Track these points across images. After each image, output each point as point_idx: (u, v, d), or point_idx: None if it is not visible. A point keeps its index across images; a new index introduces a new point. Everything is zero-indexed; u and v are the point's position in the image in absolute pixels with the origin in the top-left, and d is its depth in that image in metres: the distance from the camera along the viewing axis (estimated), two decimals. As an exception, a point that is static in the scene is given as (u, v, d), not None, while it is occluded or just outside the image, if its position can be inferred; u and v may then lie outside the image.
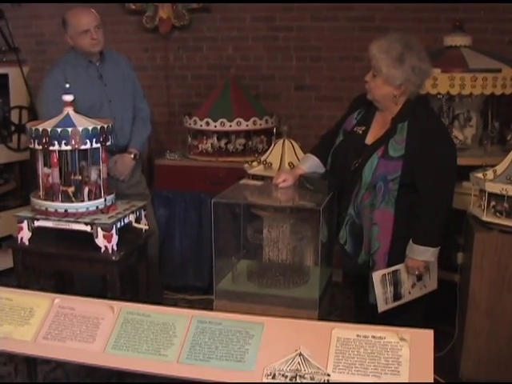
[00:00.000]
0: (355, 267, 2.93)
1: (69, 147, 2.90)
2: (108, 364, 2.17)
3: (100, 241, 2.96)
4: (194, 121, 4.53)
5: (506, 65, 3.69)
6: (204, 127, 4.51)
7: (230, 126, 4.45)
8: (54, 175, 2.97)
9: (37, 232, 3.08)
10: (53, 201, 2.99)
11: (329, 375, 1.96)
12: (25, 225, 3.06)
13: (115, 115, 3.61)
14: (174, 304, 4.21)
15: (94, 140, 2.93)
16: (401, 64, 2.69)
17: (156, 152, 5.00)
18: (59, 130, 2.87)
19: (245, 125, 4.46)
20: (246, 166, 3.79)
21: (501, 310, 3.11)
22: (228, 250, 3.10)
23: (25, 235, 3.07)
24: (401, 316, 2.79)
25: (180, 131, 5.04)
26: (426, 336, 2.00)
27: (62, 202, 2.98)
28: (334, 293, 3.86)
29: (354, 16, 4.76)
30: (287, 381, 1.97)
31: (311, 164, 3.10)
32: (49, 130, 2.87)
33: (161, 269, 4.27)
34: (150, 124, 3.99)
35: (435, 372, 1.93)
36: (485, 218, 3.15)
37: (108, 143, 3.03)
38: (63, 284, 3.52)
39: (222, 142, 4.53)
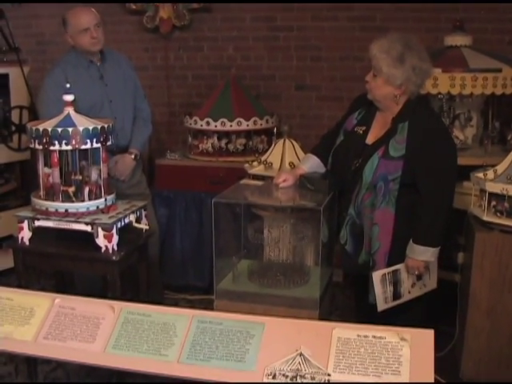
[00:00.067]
0: (356, 267, 2.93)
1: (69, 147, 2.90)
2: (108, 364, 2.17)
3: (100, 241, 2.96)
4: (195, 121, 4.53)
5: (506, 65, 3.70)
6: (204, 127, 4.51)
7: (231, 125, 4.45)
8: (55, 175, 2.97)
9: (37, 232, 3.08)
10: (53, 201, 2.99)
11: (329, 375, 1.96)
12: (25, 225, 3.06)
13: (116, 115, 3.61)
14: (175, 304, 4.21)
15: (95, 140, 2.93)
16: (401, 64, 2.69)
17: (156, 152, 5.00)
18: (60, 129, 2.87)
19: (245, 125, 4.46)
20: (247, 165, 3.79)
21: (501, 309, 3.11)
22: (228, 249, 3.11)
23: (25, 235, 3.08)
24: (401, 315, 2.79)
25: (180, 131, 5.04)
26: (427, 336, 2.00)
27: (63, 201, 2.98)
28: (335, 293, 3.86)
29: (355, 16, 4.76)
30: (288, 381, 1.97)
31: (312, 164, 3.10)
32: (49, 129, 2.87)
33: (161, 268, 4.27)
34: (151, 124, 3.99)
35: (436, 372, 1.93)
36: (485, 217, 3.15)
37: (108, 143, 3.03)
38: (64, 284, 3.52)
39: (223, 142, 4.53)
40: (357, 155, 2.84)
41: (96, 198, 3.03)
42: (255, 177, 3.63)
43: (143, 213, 3.27)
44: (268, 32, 4.98)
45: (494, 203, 3.13)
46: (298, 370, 1.99)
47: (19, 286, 2.97)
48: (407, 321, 2.37)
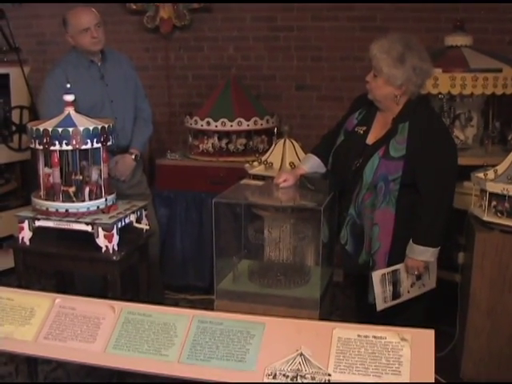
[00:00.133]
0: (356, 267, 2.93)
1: (70, 147, 2.90)
2: (109, 364, 2.17)
3: (101, 241, 2.96)
4: (195, 121, 4.53)
5: (506, 65, 3.70)
6: (205, 127, 4.51)
7: (231, 125, 4.45)
8: (55, 175, 2.97)
9: (38, 232, 3.08)
10: (54, 201, 2.99)
11: (330, 375, 1.96)
12: (26, 225, 3.06)
13: (117, 115, 3.61)
14: (175, 304, 4.21)
15: (95, 140, 2.93)
16: (402, 64, 2.69)
17: (157, 152, 5.00)
18: (60, 129, 2.87)
19: (246, 125, 4.46)
20: (247, 165, 3.79)
21: (502, 309, 3.11)
22: (229, 249, 3.11)
23: (26, 235, 3.08)
24: (400, 315, 2.80)
25: (181, 131, 5.04)
26: (427, 336, 2.00)
27: (63, 201, 2.99)
28: (335, 293, 3.86)
29: (355, 16, 4.76)
30: (288, 381, 1.97)
31: (312, 164, 3.10)
32: (50, 129, 2.87)
33: (162, 269, 4.27)
34: (152, 124, 3.99)
35: (436, 372, 1.93)
36: (486, 217, 3.15)
37: (109, 143, 3.03)
38: (64, 284, 3.52)
39: (223, 142, 4.53)
40: (357, 155, 2.84)
41: (96, 198, 3.03)
42: (255, 177, 3.63)
43: (144, 213, 3.27)
44: (268, 32, 4.98)
45: (494, 203, 3.13)
46: (298, 370, 1.99)
47: (19, 286, 2.97)
48: (407, 320, 2.37)
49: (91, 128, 2.91)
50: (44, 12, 5.26)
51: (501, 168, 3.18)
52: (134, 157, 3.77)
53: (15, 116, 4.69)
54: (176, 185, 4.51)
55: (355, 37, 4.75)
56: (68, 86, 3.01)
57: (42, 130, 2.88)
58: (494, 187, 3.11)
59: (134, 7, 5.09)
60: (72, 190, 3.00)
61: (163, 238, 4.41)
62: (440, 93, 3.69)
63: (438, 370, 1.97)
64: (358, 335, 2.04)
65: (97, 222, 2.96)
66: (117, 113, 3.66)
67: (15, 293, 2.45)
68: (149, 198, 3.93)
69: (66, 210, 2.98)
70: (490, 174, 3.18)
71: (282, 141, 3.66)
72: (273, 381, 1.98)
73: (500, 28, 4.49)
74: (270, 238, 3.09)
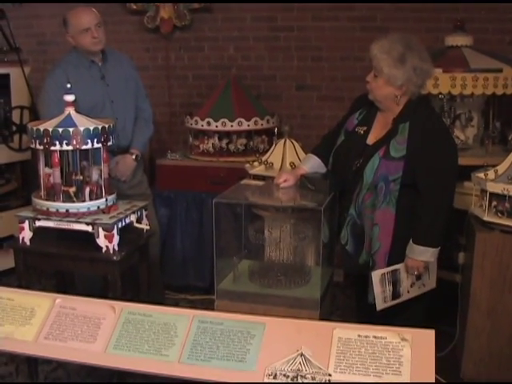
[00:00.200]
0: (356, 267, 2.93)
1: (70, 147, 2.90)
2: (109, 364, 2.17)
3: (101, 241, 2.96)
4: (196, 121, 4.53)
5: (507, 65, 3.69)
6: (205, 127, 4.51)
7: (232, 125, 4.45)
8: (56, 175, 2.97)
9: (38, 232, 3.08)
10: (54, 201, 2.99)
11: (330, 375, 1.96)
12: (26, 225, 3.06)
13: (117, 116, 3.61)
14: (176, 304, 4.21)
15: (96, 140, 2.93)
16: (402, 64, 2.69)
17: (157, 152, 5.00)
18: (60, 130, 2.87)
19: (246, 125, 4.46)
20: (247, 166, 3.79)
21: (502, 309, 3.11)
22: (229, 250, 3.11)
23: (26, 235, 3.08)
24: (400, 315, 2.80)
25: (181, 131, 5.04)
26: (428, 336, 2.00)
27: (64, 202, 2.99)
28: (336, 293, 3.86)
29: (355, 16, 4.76)
30: (288, 381, 1.97)
31: (312, 164, 3.10)
32: (50, 130, 2.87)
33: (162, 269, 4.27)
34: (152, 124, 3.99)
35: (436, 372, 1.93)
36: (486, 217, 3.15)
37: (109, 143, 3.03)
38: (64, 284, 3.52)
39: (223, 142, 4.54)
40: (358, 155, 2.84)
41: (97, 198, 3.03)
42: (256, 177, 3.63)
43: (144, 213, 3.27)
44: (269, 32, 4.98)
45: (494, 203, 3.13)
46: (298, 370, 1.99)
47: (20, 286, 2.97)
48: (407, 320, 2.37)
49: (91, 128, 2.91)
50: (44, 12, 5.26)
51: (501, 168, 3.18)
52: (134, 157, 3.77)
53: (15, 116, 4.69)
54: (176, 185, 4.51)
55: (355, 37, 4.75)
56: (68, 86, 3.01)
57: (42, 130, 2.88)
58: (494, 187, 3.11)
59: (135, 7, 5.09)
60: (72, 190, 3.00)
61: (163, 238, 4.41)
62: (440, 93, 3.69)
63: (439, 370, 1.97)
64: (359, 335, 2.04)
65: (97, 222, 2.96)
66: (117, 113, 3.65)
67: (15, 293, 2.45)
68: (149, 198, 3.93)
69: (67, 210, 2.98)
70: (491, 174, 3.17)
71: (283, 141, 3.65)
72: (273, 381, 1.98)
73: (500, 28, 4.49)
74: (270, 238, 3.09)
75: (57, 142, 2.88)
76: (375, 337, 2.03)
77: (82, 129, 2.89)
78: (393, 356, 1.97)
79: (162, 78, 5.26)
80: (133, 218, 3.16)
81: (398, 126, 2.76)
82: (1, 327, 2.30)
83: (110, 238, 2.96)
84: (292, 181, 3.03)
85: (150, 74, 5.16)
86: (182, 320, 2.21)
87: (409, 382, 1.90)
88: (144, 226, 3.24)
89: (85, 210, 2.99)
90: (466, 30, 3.95)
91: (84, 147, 2.92)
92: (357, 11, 4.76)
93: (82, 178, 3.04)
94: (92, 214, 3.01)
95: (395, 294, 2.84)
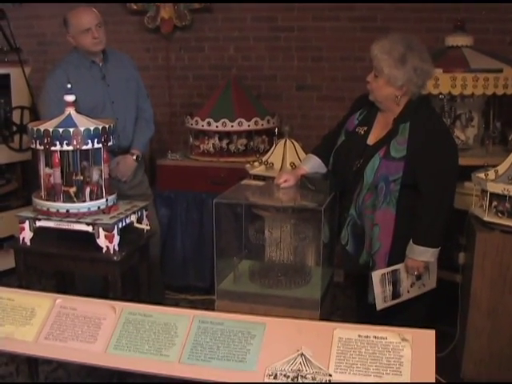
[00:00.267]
0: (356, 267, 2.93)
1: (70, 147, 2.90)
2: (109, 364, 2.17)
3: (101, 241, 2.96)
4: (196, 121, 4.53)
5: (507, 65, 3.69)
6: (205, 127, 4.51)
7: (232, 126, 4.45)
8: (56, 175, 2.97)
9: (38, 232, 3.08)
10: (54, 201, 2.99)
11: (330, 375, 1.96)
12: (26, 225, 3.07)
13: (118, 116, 3.61)
14: (176, 304, 4.21)
15: (96, 140, 2.93)
16: (403, 65, 2.69)
17: (158, 152, 5.00)
18: (61, 130, 2.87)
19: (246, 125, 4.46)
20: (248, 166, 3.79)
21: (502, 310, 3.11)
22: (229, 250, 3.11)
23: (26, 235, 3.08)
24: (400, 314, 2.81)
25: (182, 131, 5.04)
26: (428, 336, 2.00)
27: (64, 202, 2.99)
28: (336, 293, 3.86)
29: (356, 16, 4.76)
30: (289, 381, 1.97)
31: (313, 164, 3.10)
32: (50, 130, 2.88)
33: (162, 269, 4.28)
34: (153, 125, 3.99)
35: (437, 372, 1.93)
36: (486, 218, 3.14)
37: (109, 143, 3.03)
38: (65, 284, 3.52)
39: (224, 143, 4.54)
40: (358, 156, 2.84)
41: (97, 199, 3.03)
42: (256, 177, 3.63)
43: (144, 213, 3.27)
44: (269, 32, 4.98)
45: (495, 203, 3.13)
46: (299, 370, 1.99)
47: (20, 287, 2.97)
48: (407, 320, 2.37)
49: (92, 128, 2.91)
50: (45, 12, 5.25)
51: (501, 168, 3.18)
52: (135, 157, 3.77)
53: (16, 116, 4.69)
54: (177, 185, 4.51)
55: (356, 37, 4.75)
56: (69, 86, 3.01)
57: (42, 130, 2.89)
58: (494, 187, 3.11)
59: (135, 7, 5.09)
60: (73, 190, 3.00)
61: (164, 239, 4.41)
62: (441, 93, 3.69)
63: (439, 370, 1.97)
64: (359, 335, 2.04)
65: (97, 222, 2.96)
66: (118, 113, 3.65)
67: (16, 293, 2.45)
68: (150, 198, 3.93)
69: (67, 211, 2.98)
70: (491, 174, 3.17)
71: (283, 141, 3.66)
72: (273, 381, 1.98)
73: (501, 28, 4.49)
74: (270, 239, 3.09)
75: (57, 143, 2.88)
76: (375, 337, 2.02)
77: (82, 129, 2.89)
78: (393, 356, 1.97)
79: (162, 79, 5.26)
80: (133, 218, 3.16)
81: (399, 126, 2.76)
82: (1, 327, 2.30)
83: (110, 239, 2.96)
84: (292, 181, 3.03)
85: (150, 74, 5.15)
86: (182, 320, 2.21)
87: (409, 382, 1.90)
88: (144, 226, 3.24)
89: (85, 210, 2.99)
90: (466, 30, 3.95)
91: (84, 147, 2.92)
92: (357, 11, 4.75)
93: (82, 178, 3.04)
94: (92, 215, 3.01)
95: (395, 294, 2.84)
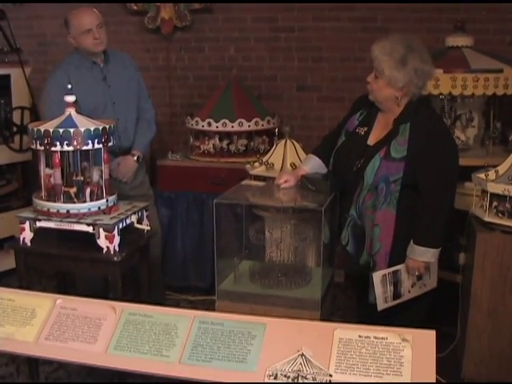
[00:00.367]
0: (357, 268, 2.93)
1: (71, 148, 2.90)
2: (110, 365, 2.17)
3: (102, 241, 2.96)
4: (196, 121, 4.53)
5: (507, 65, 3.70)
6: (206, 128, 4.51)
7: (232, 126, 4.45)
8: (56, 176, 2.97)
9: (39, 233, 3.08)
10: (55, 201, 2.99)
11: (331, 376, 1.96)
12: (27, 225, 3.07)
13: (119, 117, 3.61)
14: (176, 305, 4.21)
15: (96, 141, 2.93)
16: (403, 66, 2.68)
17: (158, 153, 5.00)
18: (61, 130, 2.87)
19: (247, 125, 4.46)
20: (248, 166, 3.79)
21: (503, 310, 3.11)
22: (230, 250, 3.11)
23: (27, 236, 3.08)
24: (401, 315, 2.81)
25: (182, 132, 5.04)
26: (428, 336, 2.00)
27: (64, 202, 2.99)
28: (336, 293, 3.86)
29: (356, 16, 4.76)
30: (289, 381, 1.97)
31: (313, 165, 3.10)
32: (51, 130, 2.88)
33: (163, 269, 4.27)
34: (155, 125, 3.99)
35: (437, 372, 1.93)
36: (487, 218, 3.15)
37: (110, 144, 3.03)
38: (65, 285, 3.52)
39: (224, 143, 4.53)
40: (358, 156, 2.84)
41: (97, 199, 3.04)
42: (256, 177, 3.63)
43: (145, 213, 3.27)
44: (269, 33, 4.98)
45: (495, 204, 3.13)
46: (299, 370, 1.99)
47: (21, 287, 2.97)
48: (407, 320, 2.38)
49: (92, 129, 2.91)
50: (45, 13, 5.26)
51: (502, 168, 3.18)
52: (136, 158, 3.77)
53: (16, 117, 4.69)
54: (177, 185, 4.51)
55: (356, 37, 4.75)
56: (69, 86, 3.01)
57: (43, 130, 2.89)
58: (494, 188, 3.11)
59: (135, 8, 5.09)
60: (73, 190, 3.00)
61: (164, 239, 4.40)
62: (441, 93, 3.69)
63: (439, 370, 1.97)
64: (359, 336, 2.04)
65: (98, 222, 2.96)
66: (119, 114, 3.65)
67: (16, 293, 2.45)
68: (151, 199, 3.93)
69: (67, 211, 2.98)
70: (491, 174, 3.17)
71: (283, 141, 3.65)
72: (274, 381, 1.98)
73: (501, 28, 4.49)
74: (270, 239, 3.09)
75: (57, 143, 2.88)
76: (376, 337, 2.02)
77: (82, 129, 2.89)
78: (393, 356, 1.97)
79: (162, 79, 5.26)
80: (133, 218, 3.16)
81: (399, 126, 2.76)
82: (1, 328, 2.30)
83: (110, 239, 2.96)
84: (293, 181, 3.03)
85: (150, 74, 5.15)
86: (182, 321, 2.21)
87: (409, 382, 1.90)
88: (145, 226, 3.24)
89: (85, 210, 2.99)
90: (466, 30, 3.96)
91: (85, 148, 2.93)
92: (357, 11, 4.75)
93: (82, 178, 3.04)
94: (93, 215, 3.01)
95: (396, 295, 2.84)
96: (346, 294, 4.15)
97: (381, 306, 2.83)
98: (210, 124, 4.47)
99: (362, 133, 2.89)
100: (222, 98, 4.61)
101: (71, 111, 2.99)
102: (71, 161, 3.06)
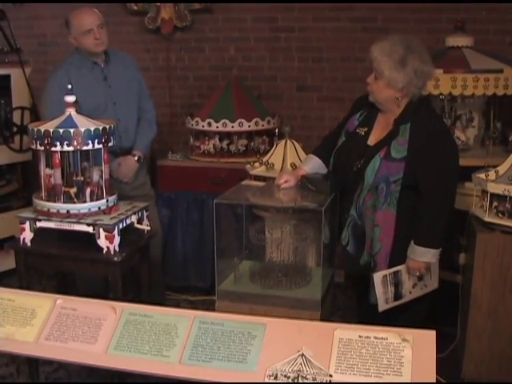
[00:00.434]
0: (357, 268, 2.93)
1: (71, 148, 2.90)
2: (110, 365, 2.17)
3: (102, 242, 2.96)
4: (196, 121, 4.53)
5: (507, 65, 3.69)
6: (206, 128, 4.51)
7: (232, 126, 4.45)
8: (56, 176, 2.97)
9: (39, 233, 3.08)
10: (55, 202, 2.99)
11: (331, 376, 1.96)
12: (27, 226, 3.07)
13: (119, 117, 3.61)
14: (176, 305, 4.21)
15: (96, 141, 2.93)
16: (403, 67, 2.68)
17: (158, 153, 4.99)
18: (61, 130, 2.87)
19: (247, 125, 4.46)
20: (248, 166, 3.79)
21: (503, 310, 3.11)
22: (230, 250, 3.11)
23: (27, 236, 3.08)
24: (402, 315, 2.81)
25: (182, 132, 5.04)
26: (429, 337, 2.00)
27: (64, 202, 2.99)
28: (336, 294, 3.86)
29: (356, 16, 4.76)
30: (289, 381, 1.97)
31: (313, 165, 3.10)
32: (51, 130, 2.88)
33: (163, 269, 4.27)
34: (156, 125, 3.98)
35: (437, 373, 1.93)
36: (487, 218, 3.14)
37: (110, 144, 3.03)
38: (65, 285, 3.52)
39: (224, 143, 4.54)
40: (359, 156, 2.84)
41: (98, 199, 3.03)
42: (257, 178, 3.63)
43: (145, 214, 3.27)
44: (269, 33, 4.98)
45: (495, 204, 3.13)
46: (299, 370, 1.99)
47: (21, 287, 2.97)
48: (408, 321, 2.38)
49: (92, 129, 2.91)
50: (45, 13, 5.26)
51: (502, 169, 3.18)
52: (136, 159, 3.76)
53: (16, 117, 4.69)
54: (177, 186, 4.51)
55: (356, 37, 4.75)
56: (69, 86, 3.00)
57: (43, 130, 2.89)
58: (495, 188, 3.11)
59: (135, 8, 5.09)
60: (73, 190, 3.00)
61: (164, 239, 4.40)
62: (441, 94, 3.69)
63: (439, 370, 1.97)
64: (359, 336, 2.04)
65: (98, 222, 2.96)
66: (120, 115, 3.65)
67: (16, 294, 2.45)
68: (152, 199, 3.93)
69: (67, 211, 2.98)
70: (491, 174, 3.17)
71: (283, 142, 3.65)
72: (274, 381, 1.98)
73: (501, 29, 4.49)
74: (271, 239, 3.09)
75: (57, 143, 2.88)
76: (376, 337, 2.02)
77: (82, 129, 2.89)
78: (394, 357, 1.97)
79: (162, 79, 5.26)
80: (134, 218, 3.16)
81: (399, 127, 2.76)
82: (2, 328, 2.30)
83: (110, 239, 2.96)
84: (293, 181, 3.03)
85: (150, 74, 5.15)
86: (182, 321, 2.21)
87: (409, 382, 1.90)
88: (145, 226, 3.24)
89: (85, 210, 2.99)
90: (466, 30, 3.95)
91: (85, 148, 2.93)
92: (357, 12, 4.75)
93: (82, 178, 3.04)
94: (93, 215, 3.01)
95: (397, 295, 2.84)
96: (346, 294, 4.15)
97: (382, 306, 2.83)
98: (210, 124, 4.47)
99: (363, 133, 2.89)
100: (222, 98, 4.62)
101: (71, 111, 2.99)
102: (71, 161, 3.06)
